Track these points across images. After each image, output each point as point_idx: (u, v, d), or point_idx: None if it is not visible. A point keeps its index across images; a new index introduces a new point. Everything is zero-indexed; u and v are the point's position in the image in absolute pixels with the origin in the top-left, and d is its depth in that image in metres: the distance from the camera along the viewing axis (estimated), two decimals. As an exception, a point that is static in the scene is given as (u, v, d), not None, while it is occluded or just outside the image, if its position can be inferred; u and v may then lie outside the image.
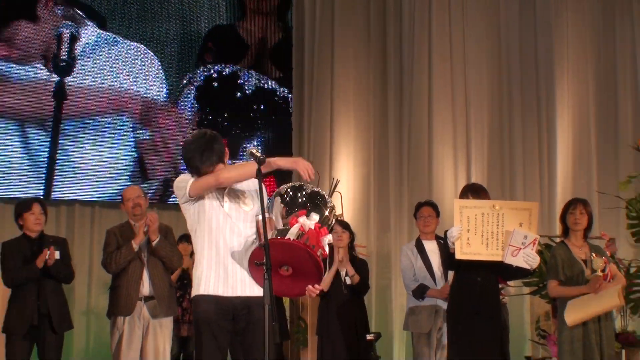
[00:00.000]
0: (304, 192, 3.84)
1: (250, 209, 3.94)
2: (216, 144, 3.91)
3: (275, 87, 9.53)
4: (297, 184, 3.93)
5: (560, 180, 11.49)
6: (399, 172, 10.98)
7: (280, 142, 9.56)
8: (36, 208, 5.95)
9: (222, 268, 3.86)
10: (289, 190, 3.88)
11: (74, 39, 8.29)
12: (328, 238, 3.72)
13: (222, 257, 3.87)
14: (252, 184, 3.98)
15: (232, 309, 3.84)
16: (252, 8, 9.11)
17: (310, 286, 3.74)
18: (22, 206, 6.01)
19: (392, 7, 11.32)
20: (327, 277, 6.19)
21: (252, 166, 3.68)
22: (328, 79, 10.97)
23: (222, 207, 3.91)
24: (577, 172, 11.55)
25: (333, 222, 3.87)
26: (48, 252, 5.77)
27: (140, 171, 8.99)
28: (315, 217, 3.73)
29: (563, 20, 11.92)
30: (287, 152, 10.18)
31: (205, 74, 9.10)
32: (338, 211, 4.06)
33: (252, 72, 9.28)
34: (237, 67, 9.14)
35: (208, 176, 3.83)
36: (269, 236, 3.64)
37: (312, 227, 3.68)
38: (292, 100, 10.34)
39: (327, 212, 3.81)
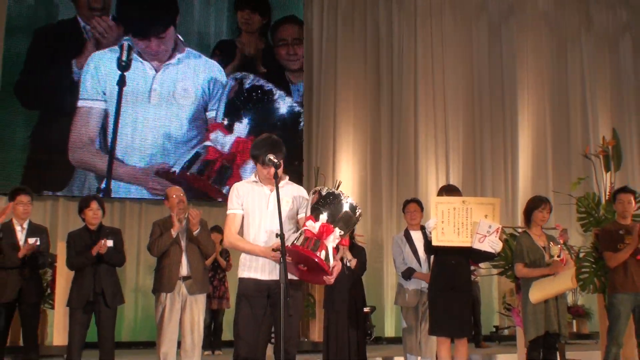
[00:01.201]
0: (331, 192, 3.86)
1: (289, 208, 3.99)
2: (282, 144, 4.02)
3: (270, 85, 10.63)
4: (319, 188, 3.96)
5: (522, 181, 11.49)
6: (390, 174, 10.99)
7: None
8: (94, 204, 5.93)
9: (262, 256, 3.94)
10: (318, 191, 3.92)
11: (130, 48, 9.81)
12: (335, 234, 3.71)
13: (263, 245, 3.94)
14: (290, 190, 4.06)
15: (267, 288, 3.92)
16: (244, 29, 10.51)
17: (324, 277, 3.76)
18: (82, 203, 6.00)
19: (385, 40, 11.34)
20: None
21: (259, 250, 3.90)
22: (331, 98, 11.00)
23: (268, 208, 3.97)
24: (535, 174, 11.56)
25: (359, 212, 3.86)
26: (102, 242, 5.76)
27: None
28: (323, 217, 3.72)
29: (524, 49, 11.94)
30: (297, 151, 10.29)
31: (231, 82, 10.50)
32: None
33: (259, 78, 10.56)
34: (252, 75, 10.50)
35: (231, 233, 4.02)
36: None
37: (317, 230, 3.68)
38: (302, 113, 10.57)
39: (353, 203, 3.82)
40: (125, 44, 9.77)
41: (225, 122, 10.13)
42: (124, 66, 9.72)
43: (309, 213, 3.78)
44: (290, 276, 3.81)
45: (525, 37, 11.91)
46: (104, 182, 9.54)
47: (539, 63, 11.89)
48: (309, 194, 3.96)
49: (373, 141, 11.00)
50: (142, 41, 9.96)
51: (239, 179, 9.65)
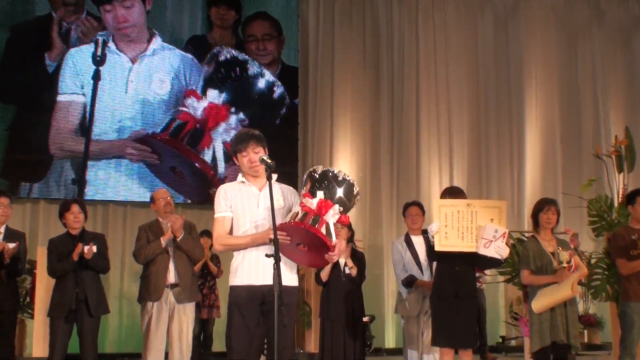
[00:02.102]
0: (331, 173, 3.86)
1: (281, 206, 3.95)
2: (263, 138, 4.03)
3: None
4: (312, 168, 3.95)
5: (529, 183, 11.50)
6: (390, 175, 10.99)
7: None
8: (75, 208, 5.91)
9: (254, 259, 3.90)
10: (312, 174, 3.89)
11: (105, 43, 10.16)
12: (334, 210, 3.70)
13: (255, 250, 3.90)
14: (280, 188, 4.03)
15: (262, 295, 3.87)
16: (217, 24, 10.86)
17: (326, 255, 3.74)
18: (63, 207, 5.98)
19: (384, 34, 11.34)
20: (326, 268, 6.17)
21: (257, 237, 3.85)
22: (328, 95, 11.00)
23: (258, 207, 3.94)
24: (544, 176, 11.56)
25: (357, 190, 3.86)
26: (85, 247, 5.74)
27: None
28: (320, 194, 3.71)
29: (532, 44, 11.94)
30: (292, 151, 10.28)
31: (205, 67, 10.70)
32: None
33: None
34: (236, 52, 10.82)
35: (220, 235, 3.97)
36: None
37: (314, 206, 3.68)
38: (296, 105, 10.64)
39: (350, 179, 3.82)
40: (100, 39, 10.15)
41: (200, 91, 10.48)
42: (98, 61, 10.12)
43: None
44: (284, 283, 3.76)
45: (532, 32, 11.91)
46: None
47: (547, 59, 11.89)
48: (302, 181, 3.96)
49: (372, 140, 10.99)
50: (108, 12, 10.17)
51: (211, 140, 10.15)
